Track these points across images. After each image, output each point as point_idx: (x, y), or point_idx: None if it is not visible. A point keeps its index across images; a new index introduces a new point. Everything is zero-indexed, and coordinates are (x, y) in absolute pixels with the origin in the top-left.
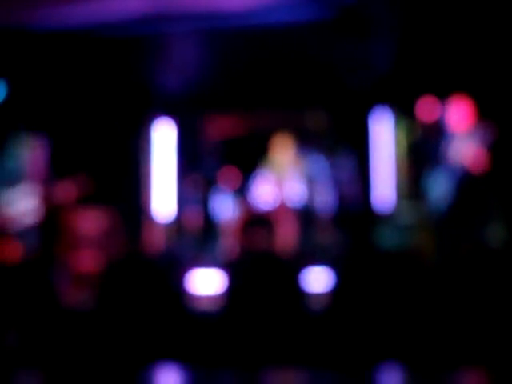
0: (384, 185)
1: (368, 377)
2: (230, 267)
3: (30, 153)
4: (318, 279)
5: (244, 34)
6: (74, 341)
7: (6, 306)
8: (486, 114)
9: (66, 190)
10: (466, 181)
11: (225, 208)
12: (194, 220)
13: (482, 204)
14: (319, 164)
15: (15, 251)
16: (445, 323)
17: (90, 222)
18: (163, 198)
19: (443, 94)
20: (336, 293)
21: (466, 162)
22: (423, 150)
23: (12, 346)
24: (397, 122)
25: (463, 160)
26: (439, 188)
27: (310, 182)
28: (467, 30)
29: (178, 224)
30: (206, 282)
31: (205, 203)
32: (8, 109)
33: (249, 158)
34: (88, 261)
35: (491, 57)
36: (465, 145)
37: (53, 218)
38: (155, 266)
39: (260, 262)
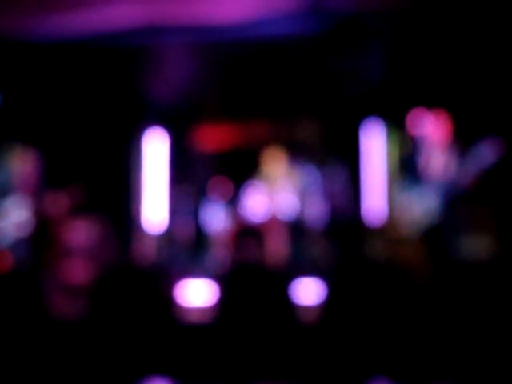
0: (375, 196)
1: None
2: (220, 278)
3: (21, 164)
4: (308, 291)
5: (237, 45)
6: (63, 352)
7: None
8: (474, 129)
9: (58, 201)
10: (453, 194)
11: (216, 219)
12: (185, 231)
13: (469, 217)
14: (310, 176)
15: (6, 262)
16: (436, 336)
17: (81, 233)
18: (154, 208)
19: (434, 108)
20: (327, 305)
21: (453, 175)
22: (413, 163)
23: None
24: (388, 134)
25: (450, 173)
26: (427, 201)
27: (302, 193)
28: (460, 43)
29: (169, 234)
30: (197, 293)
31: (196, 214)
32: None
33: (240, 169)
34: (79, 271)
35: (482, 72)
36: (452, 158)
37: (44, 229)
38: (146, 277)
39: (251, 274)
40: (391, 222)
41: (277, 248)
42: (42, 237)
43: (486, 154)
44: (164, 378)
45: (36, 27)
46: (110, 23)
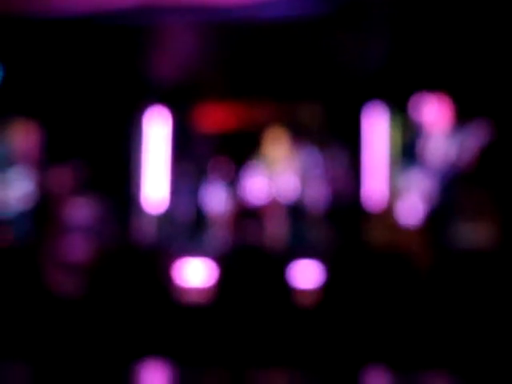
0: (376, 181)
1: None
2: (219, 259)
3: (23, 138)
4: (307, 274)
5: (239, 26)
6: (60, 329)
7: None
8: (477, 113)
9: (60, 177)
10: (454, 179)
11: (216, 200)
12: (185, 211)
13: (470, 203)
14: (312, 158)
15: (6, 236)
16: (434, 324)
17: (82, 210)
18: (155, 187)
19: (437, 92)
20: (325, 288)
21: (454, 160)
22: (415, 147)
23: None
24: (391, 118)
25: (451, 158)
26: (428, 186)
27: (302, 176)
28: (464, 26)
29: (168, 214)
30: (196, 274)
31: (196, 194)
32: (2, 94)
33: (242, 150)
34: (78, 249)
35: (485, 55)
36: (454, 143)
37: (45, 205)
38: (145, 256)
39: (250, 256)
40: (391, 207)
41: (276, 230)
42: (43, 211)
43: (485, 136)
44: (160, 359)
45: (40, 4)
46: (114, 1)
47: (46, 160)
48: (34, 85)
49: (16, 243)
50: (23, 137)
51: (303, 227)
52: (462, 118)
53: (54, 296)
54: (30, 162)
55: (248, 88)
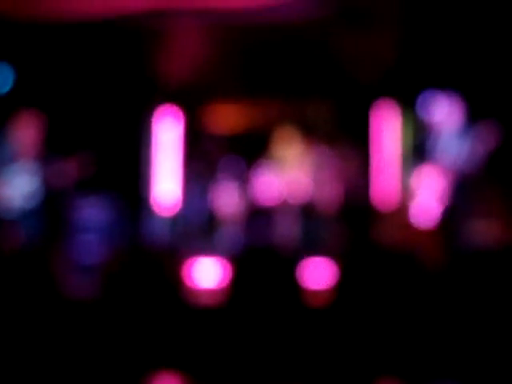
0: (387, 179)
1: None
2: (231, 260)
3: (32, 134)
4: (319, 274)
5: (250, 26)
6: (73, 331)
7: (4, 296)
8: (488, 111)
9: (68, 172)
10: (464, 178)
11: (228, 199)
12: (197, 211)
13: (480, 202)
14: (323, 157)
15: (15, 236)
16: (446, 325)
17: (93, 211)
18: (166, 187)
19: (447, 90)
20: (337, 288)
21: (465, 158)
22: (425, 146)
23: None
24: (401, 116)
25: (462, 156)
26: (437, 184)
27: (314, 174)
28: (473, 23)
29: (180, 214)
30: (207, 275)
31: (208, 194)
32: (14, 91)
33: (253, 149)
34: (90, 250)
35: (496, 53)
36: (464, 141)
37: (53, 204)
38: (157, 257)
39: (261, 255)
40: (403, 206)
41: (288, 230)
42: (52, 210)
43: (496, 134)
44: (172, 364)
45: (53, 7)
46: (126, 4)
47: (53, 158)
48: (46, 86)
49: (25, 243)
50: (31, 134)
51: (314, 226)
52: (473, 116)
53: (66, 298)
54: (36, 159)
55: (258, 88)
